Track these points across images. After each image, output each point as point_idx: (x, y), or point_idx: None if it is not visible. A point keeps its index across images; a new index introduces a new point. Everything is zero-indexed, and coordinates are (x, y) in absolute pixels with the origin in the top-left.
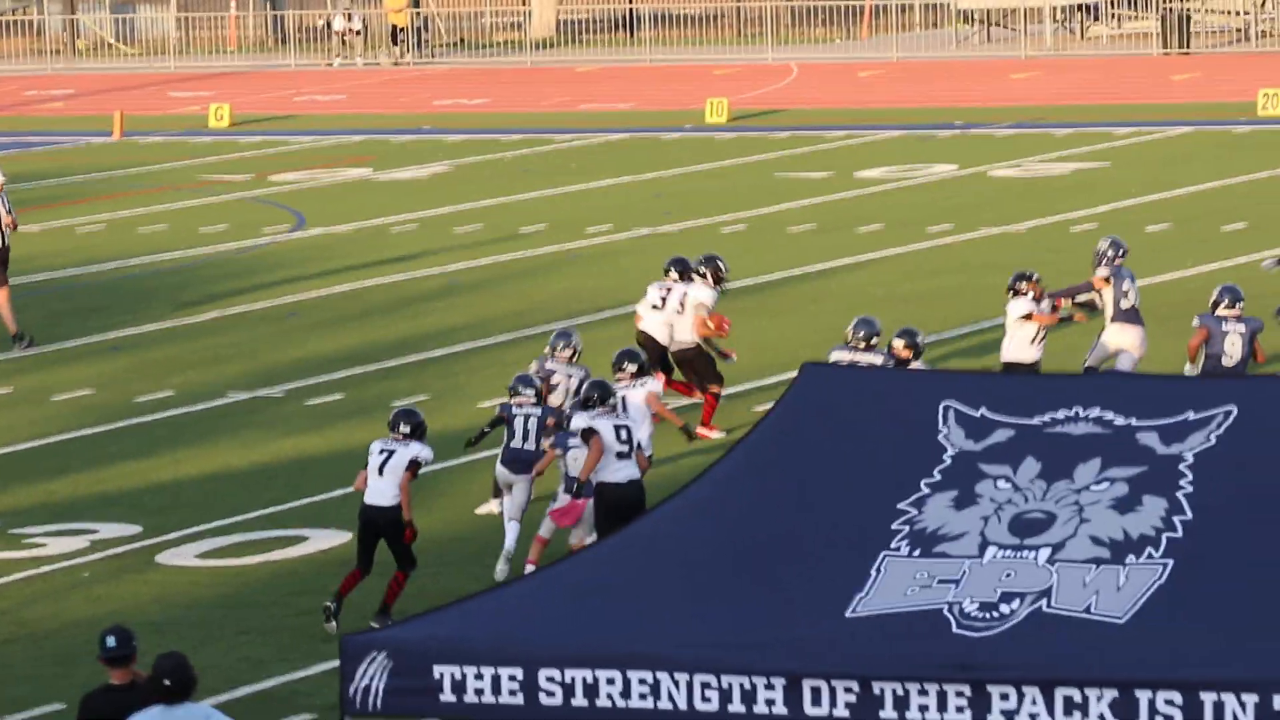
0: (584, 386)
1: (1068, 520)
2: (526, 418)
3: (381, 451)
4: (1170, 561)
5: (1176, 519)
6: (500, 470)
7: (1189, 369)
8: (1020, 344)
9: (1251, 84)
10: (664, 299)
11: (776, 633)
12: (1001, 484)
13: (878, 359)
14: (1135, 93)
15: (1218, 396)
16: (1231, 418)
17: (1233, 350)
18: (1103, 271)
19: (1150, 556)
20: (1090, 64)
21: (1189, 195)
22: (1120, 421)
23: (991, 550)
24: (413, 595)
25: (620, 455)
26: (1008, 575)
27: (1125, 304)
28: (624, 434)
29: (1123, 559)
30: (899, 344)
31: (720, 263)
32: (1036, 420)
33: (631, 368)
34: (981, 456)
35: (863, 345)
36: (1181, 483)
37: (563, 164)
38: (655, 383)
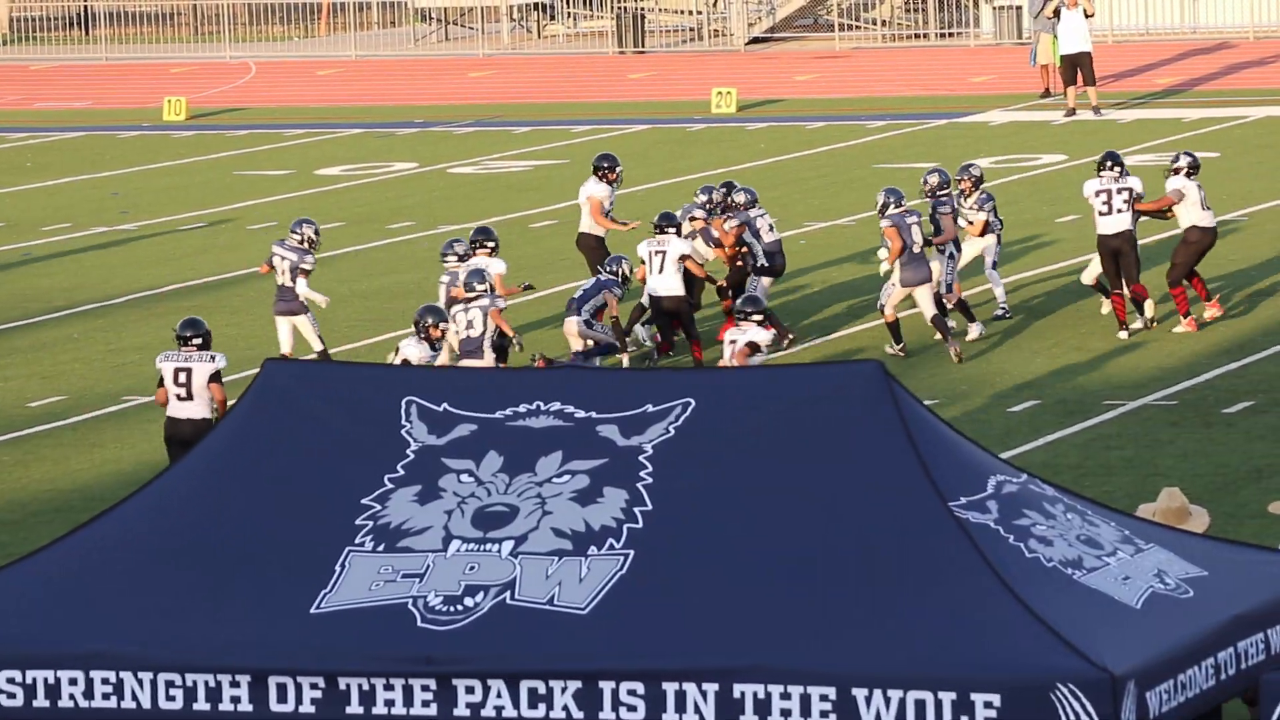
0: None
1: (530, 513)
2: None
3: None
4: (631, 552)
5: (637, 510)
6: None
7: (888, 268)
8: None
9: (705, 82)
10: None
11: (241, 630)
12: (464, 478)
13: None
14: (592, 91)
15: (675, 389)
16: (689, 409)
17: (916, 237)
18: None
19: (611, 547)
20: (547, 62)
21: (646, 192)
22: (581, 414)
23: (455, 544)
24: None
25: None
26: (471, 568)
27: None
28: (182, 376)
29: (585, 550)
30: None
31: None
32: (499, 414)
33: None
34: (444, 451)
35: None
36: (642, 474)
37: (18, 162)
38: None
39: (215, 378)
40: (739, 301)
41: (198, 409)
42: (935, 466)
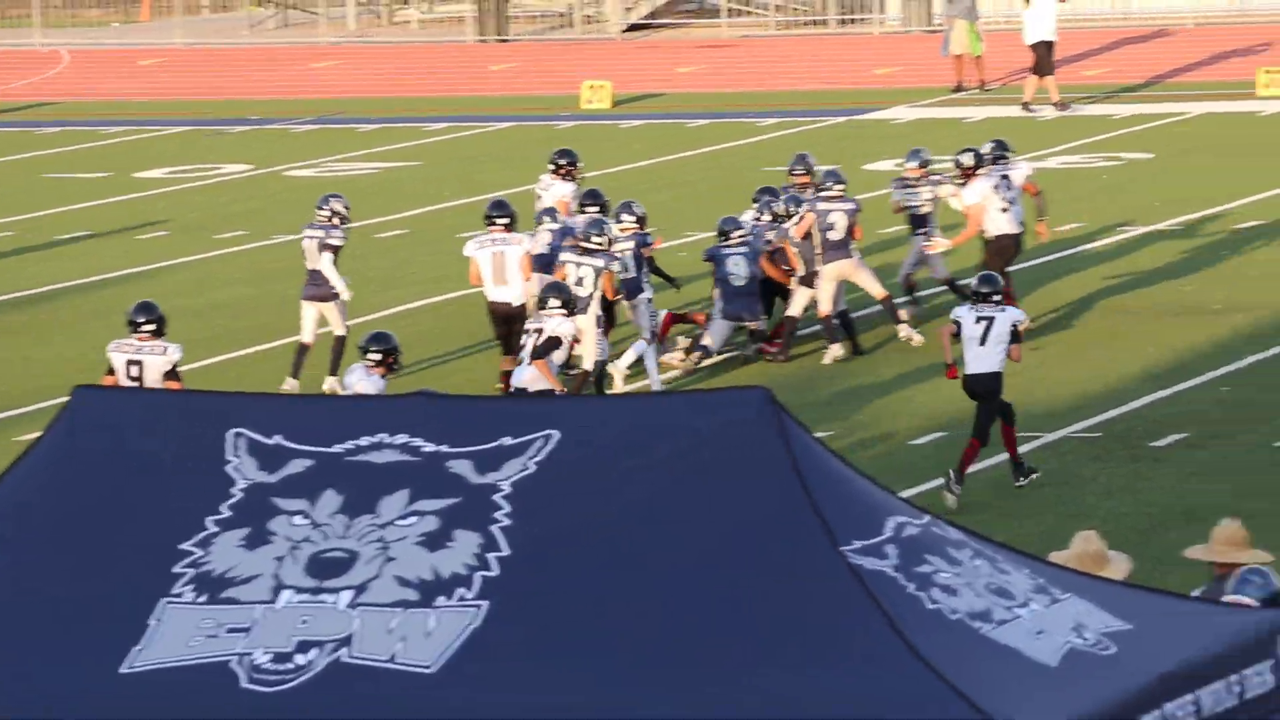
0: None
1: (371, 559)
2: None
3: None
4: (485, 603)
5: (492, 556)
6: None
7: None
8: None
9: (575, 75)
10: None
11: (39, 693)
12: (298, 520)
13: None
14: (449, 84)
15: (537, 420)
16: (553, 442)
17: (837, 221)
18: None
19: (463, 598)
20: (398, 52)
21: (509, 198)
22: (430, 448)
23: (287, 594)
24: None
25: None
26: (304, 622)
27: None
28: (134, 370)
29: (432, 601)
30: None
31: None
32: (337, 448)
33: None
34: (276, 489)
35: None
36: (498, 515)
37: None
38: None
39: (172, 374)
40: (976, 283)
41: None
42: (826, 506)
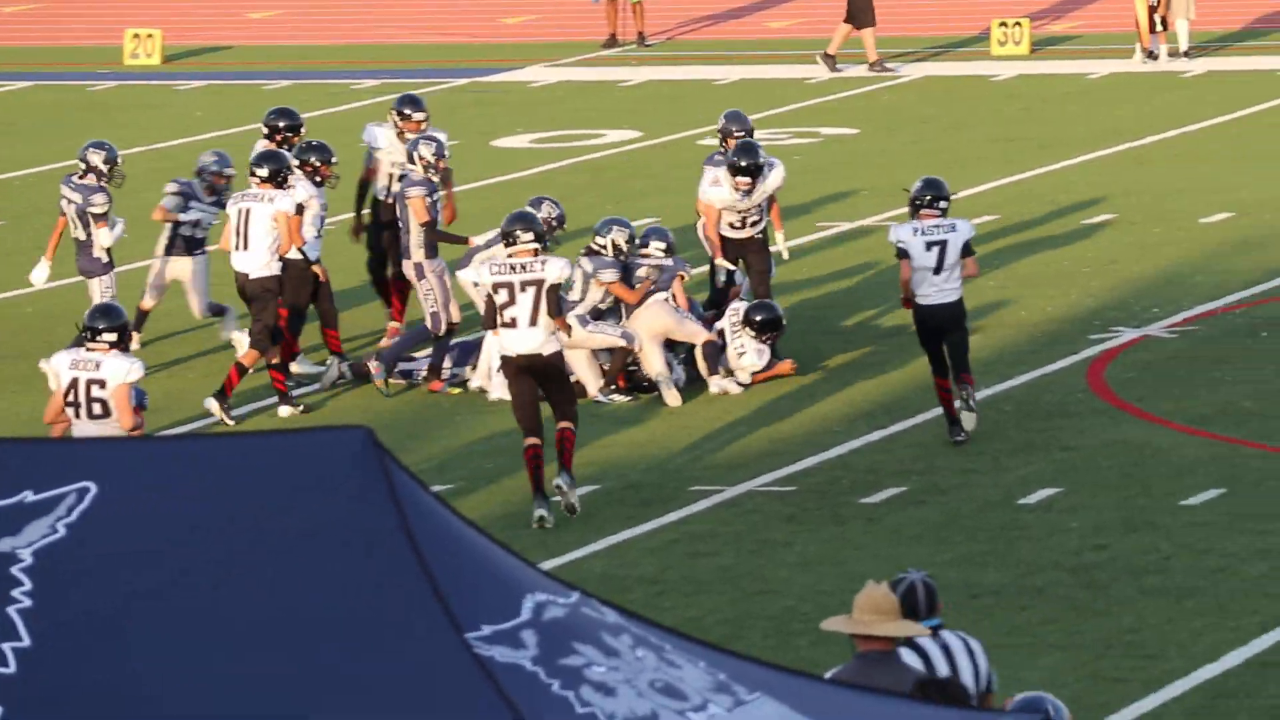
0: None
1: None
2: None
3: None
4: None
5: (8, 647)
6: None
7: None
8: None
9: (116, 21)
10: None
11: None
12: None
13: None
14: None
15: (68, 470)
16: (88, 498)
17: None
18: None
19: None
20: None
21: (24, 180)
22: None
23: None
24: None
25: None
26: None
27: None
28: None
29: None
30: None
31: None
32: None
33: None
34: None
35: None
36: (16, 593)
37: None
38: None
39: (138, 400)
40: (921, 187)
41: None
42: (445, 579)
